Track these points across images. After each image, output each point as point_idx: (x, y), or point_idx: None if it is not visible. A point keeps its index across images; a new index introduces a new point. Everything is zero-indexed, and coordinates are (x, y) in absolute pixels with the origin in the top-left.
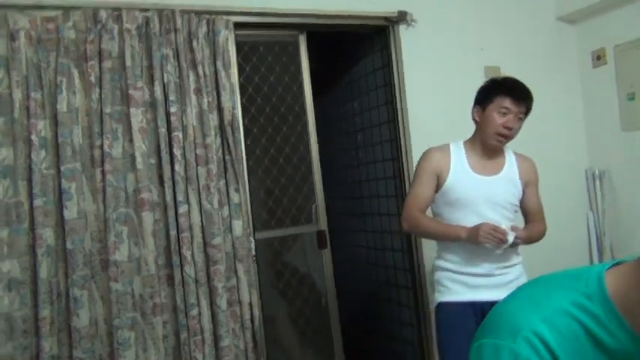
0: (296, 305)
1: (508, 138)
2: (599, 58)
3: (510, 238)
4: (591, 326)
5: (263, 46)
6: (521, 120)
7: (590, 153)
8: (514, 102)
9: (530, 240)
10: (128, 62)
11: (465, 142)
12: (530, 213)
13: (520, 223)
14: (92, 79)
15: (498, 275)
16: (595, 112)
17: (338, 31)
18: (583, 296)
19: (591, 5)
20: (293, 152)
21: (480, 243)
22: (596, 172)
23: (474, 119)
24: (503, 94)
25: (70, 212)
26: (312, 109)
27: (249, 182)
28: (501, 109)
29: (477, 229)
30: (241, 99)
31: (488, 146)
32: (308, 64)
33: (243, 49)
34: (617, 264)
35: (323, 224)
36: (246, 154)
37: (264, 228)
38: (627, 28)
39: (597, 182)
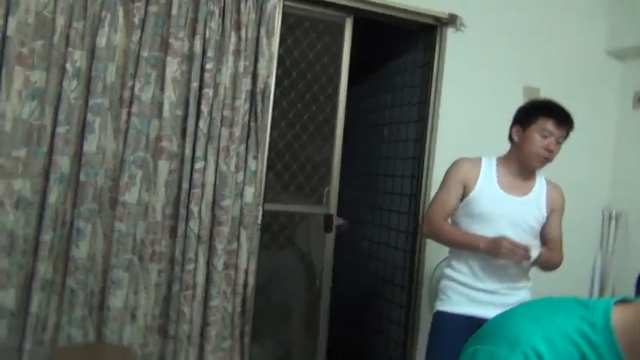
0: (290, 281)
1: (548, 160)
2: None
3: (534, 254)
4: (589, 355)
5: (309, 22)
6: (560, 144)
7: (612, 192)
8: (556, 125)
9: (547, 265)
10: (174, 11)
11: (499, 159)
12: (550, 241)
13: None
14: (136, 20)
15: (503, 295)
16: (625, 153)
17: (385, 21)
18: (587, 324)
19: None
20: (317, 132)
21: (499, 257)
22: (614, 212)
23: (511, 139)
24: (546, 116)
25: (90, 146)
26: (345, 93)
27: (269, 153)
28: (544, 132)
29: (498, 243)
30: (277, 69)
31: (526, 167)
32: (349, 49)
33: (289, 20)
34: (625, 300)
35: (333, 208)
36: (271, 125)
37: (275, 200)
38: None
39: (613, 222)
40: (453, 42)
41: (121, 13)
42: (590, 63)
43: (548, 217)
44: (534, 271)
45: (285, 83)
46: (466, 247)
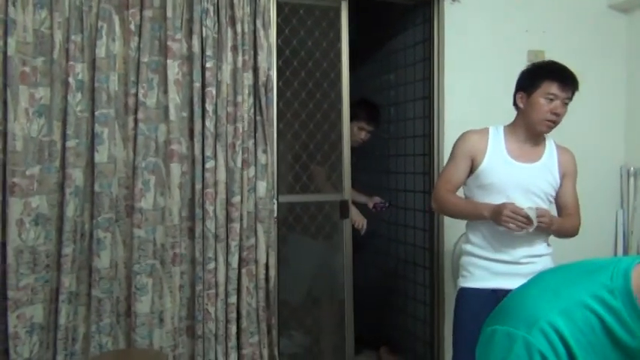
0: (312, 271)
1: (556, 124)
2: None
3: (534, 220)
4: (610, 322)
5: (304, 9)
6: (567, 105)
7: (628, 150)
8: (561, 87)
9: (562, 232)
10: (169, 13)
11: (505, 127)
12: (565, 207)
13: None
14: (132, 27)
15: (525, 264)
16: (638, 109)
17: (381, 0)
18: (605, 290)
19: None
20: (324, 119)
21: (502, 225)
22: (632, 169)
23: (515, 105)
24: (550, 80)
25: (101, 156)
26: (348, 78)
27: (277, 145)
28: (548, 95)
29: (500, 209)
30: (277, 61)
31: (533, 132)
32: (347, 32)
33: (284, 10)
34: None
35: (347, 194)
36: (277, 117)
37: (289, 192)
38: None
39: (631, 180)
40: (451, 14)
41: (117, 22)
42: (594, 19)
43: (561, 183)
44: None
45: (287, 74)
46: (472, 216)
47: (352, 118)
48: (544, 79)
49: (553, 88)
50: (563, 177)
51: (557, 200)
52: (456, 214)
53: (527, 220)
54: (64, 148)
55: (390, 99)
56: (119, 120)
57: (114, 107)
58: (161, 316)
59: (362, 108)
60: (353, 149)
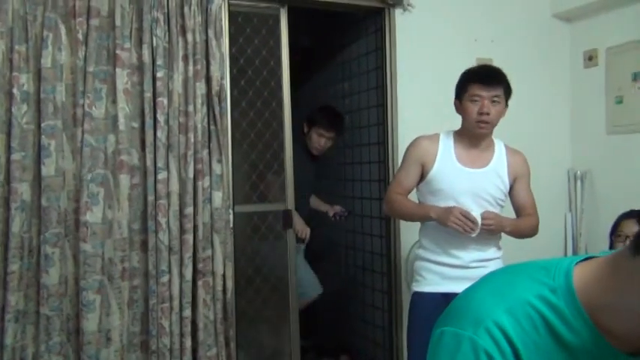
0: (262, 282)
1: (489, 123)
2: (590, 58)
3: (478, 220)
4: (553, 320)
5: (242, 17)
6: (499, 103)
7: (574, 153)
8: (483, 87)
9: (518, 232)
10: (117, 22)
11: (455, 133)
12: (521, 207)
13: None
14: (79, 36)
15: (475, 268)
16: (582, 113)
17: (323, 9)
18: (548, 289)
19: (587, 4)
20: (266, 127)
21: (449, 227)
22: (578, 172)
23: (457, 112)
24: (471, 82)
25: (48, 169)
26: (289, 84)
27: (233, 155)
28: (474, 97)
29: (448, 211)
30: (232, 70)
31: (474, 136)
32: (287, 40)
33: (237, 19)
34: (588, 258)
35: (290, 203)
36: (233, 126)
37: (246, 201)
38: (621, 31)
39: (578, 183)
40: (402, 23)
41: (63, 31)
42: (539, 28)
43: (514, 186)
44: (506, 238)
45: (242, 83)
46: (419, 217)
47: (313, 124)
48: (467, 83)
49: (475, 89)
50: (515, 180)
51: (514, 202)
52: (404, 216)
53: (474, 224)
54: (8, 161)
55: (345, 107)
56: (67, 132)
57: (61, 118)
58: (108, 334)
59: (322, 114)
60: (314, 157)
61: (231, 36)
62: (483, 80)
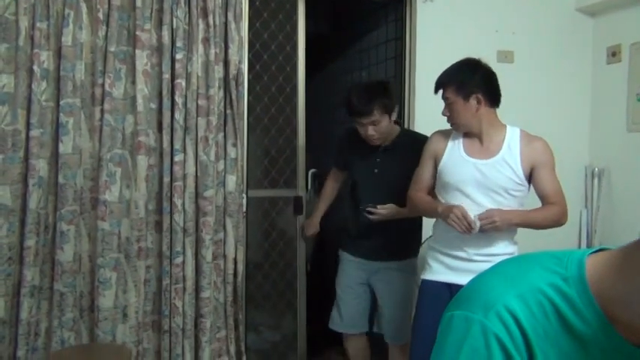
0: (276, 266)
1: (454, 123)
2: (614, 54)
3: (476, 226)
4: (563, 308)
5: (260, 2)
6: (453, 103)
7: (592, 150)
8: (437, 90)
9: (533, 224)
10: (138, 3)
11: None
12: (544, 197)
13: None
14: (100, 15)
15: (479, 262)
16: (602, 109)
17: None
18: (560, 278)
19: None
20: (279, 113)
21: (448, 224)
22: (596, 169)
23: None
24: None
25: (65, 147)
26: (304, 71)
27: (247, 139)
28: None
29: (449, 209)
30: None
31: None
32: (304, 25)
33: (255, 3)
34: (601, 250)
35: (301, 190)
36: (247, 111)
37: (257, 186)
38: None
39: (595, 180)
40: (423, 12)
41: (84, 10)
42: (562, 22)
43: (533, 174)
44: (523, 231)
45: (257, 67)
46: (429, 213)
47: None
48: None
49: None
50: (533, 168)
51: (537, 191)
52: (419, 211)
53: (470, 226)
54: (27, 137)
55: None
56: (85, 110)
57: (80, 97)
58: (125, 310)
59: (347, 101)
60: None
61: (249, 20)
62: (435, 87)
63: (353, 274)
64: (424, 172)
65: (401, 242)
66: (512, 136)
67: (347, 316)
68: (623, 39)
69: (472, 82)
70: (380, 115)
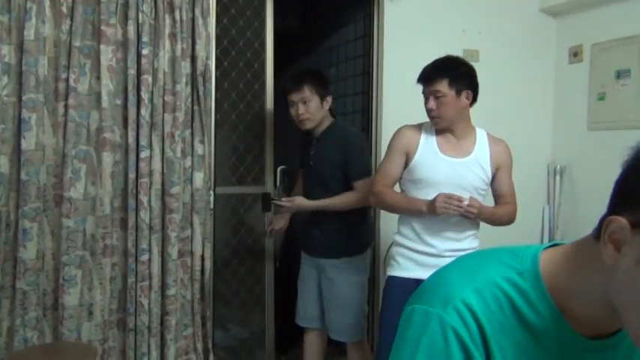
0: (244, 263)
1: (439, 117)
2: (575, 54)
3: (465, 199)
4: (518, 302)
5: None
6: (443, 97)
7: (555, 148)
8: (425, 85)
9: (495, 220)
10: None
11: None
12: (501, 196)
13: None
14: (64, 9)
15: (449, 257)
16: (565, 108)
17: None
18: (515, 272)
19: (574, 0)
20: (248, 110)
21: (440, 214)
22: (558, 167)
23: None
24: (419, 81)
25: (28, 143)
26: (272, 67)
27: (215, 136)
28: (424, 95)
29: (433, 201)
30: (215, 50)
31: (440, 129)
32: (272, 22)
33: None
34: (555, 245)
35: (269, 186)
36: (215, 107)
37: (226, 183)
38: (606, 28)
39: (557, 177)
40: (390, 11)
41: (47, 3)
42: (526, 22)
43: (495, 174)
44: (485, 228)
45: (225, 64)
46: (410, 212)
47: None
48: (418, 82)
49: (423, 87)
50: (496, 169)
51: (494, 190)
52: (393, 209)
53: (460, 201)
54: None
55: (331, 93)
56: (48, 106)
57: (43, 92)
58: (90, 308)
59: (283, 86)
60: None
61: (217, 16)
62: (423, 78)
63: (306, 271)
64: (394, 167)
65: (341, 240)
66: (481, 137)
67: (303, 310)
68: (585, 39)
69: (465, 78)
70: (310, 94)
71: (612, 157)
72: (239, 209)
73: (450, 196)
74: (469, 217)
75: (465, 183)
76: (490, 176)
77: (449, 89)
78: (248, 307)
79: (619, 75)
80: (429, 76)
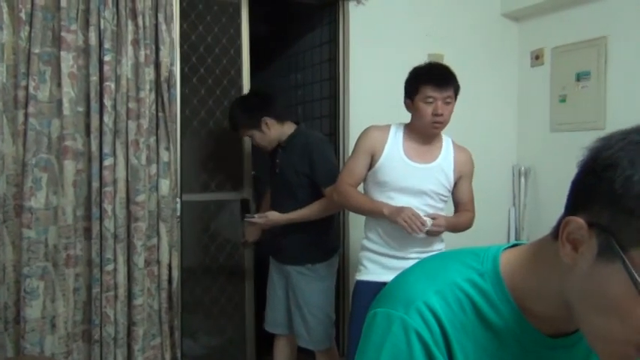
0: (215, 271)
1: (443, 123)
2: (537, 58)
3: (427, 226)
4: (480, 302)
5: (202, 4)
6: (450, 103)
7: (519, 150)
8: (437, 89)
9: (456, 228)
10: (63, 3)
11: (406, 126)
12: (461, 203)
13: (450, 212)
14: (22, 15)
15: (415, 260)
16: (528, 110)
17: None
18: (476, 273)
19: (535, 5)
20: (224, 116)
21: (398, 224)
22: (522, 168)
23: (407, 110)
24: (425, 83)
25: None
26: (249, 75)
27: (182, 143)
28: (427, 99)
29: (399, 210)
30: (188, 56)
31: (425, 134)
32: (248, 29)
33: (182, 4)
34: (515, 245)
35: (247, 193)
36: (190, 115)
37: (193, 191)
38: (566, 31)
39: (522, 179)
40: (356, 15)
41: (5, 9)
42: (489, 27)
43: (457, 182)
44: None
45: (186, 70)
46: (371, 213)
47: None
48: (420, 84)
49: (429, 91)
50: (459, 177)
51: (455, 197)
52: (355, 209)
53: (423, 225)
54: None
55: (298, 98)
56: (7, 114)
57: (2, 100)
58: (53, 321)
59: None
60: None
61: (189, 22)
62: (437, 82)
63: (274, 277)
64: (358, 166)
65: (304, 246)
66: (447, 145)
67: (271, 316)
68: (546, 43)
69: (459, 88)
70: (246, 130)
71: (574, 158)
72: (213, 216)
73: (416, 216)
74: (439, 233)
75: (428, 189)
76: (452, 183)
77: (455, 97)
78: (220, 316)
79: (579, 77)
80: (446, 81)
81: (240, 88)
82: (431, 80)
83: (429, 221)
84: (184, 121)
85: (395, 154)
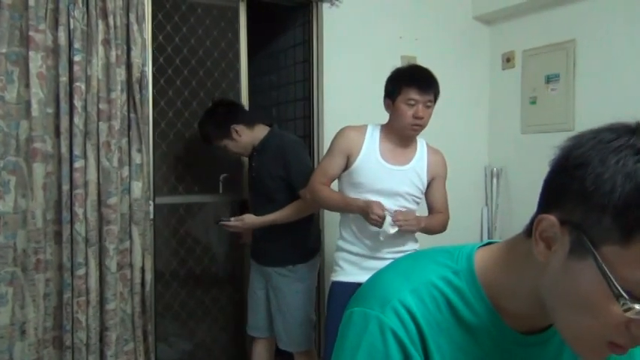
0: (189, 275)
1: (422, 126)
2: (508, 60)
3: (388, 229)
4: (454, 300)
5: (185, 7)
6: (430, 107)
7: (491, 151)
8: (420, 92)
9: (430, 229)
10: (31, 2)
11: (382, 127)
12: (435, 206)
13: (424, 214)
14: None
15: (391, 259)
16: (499, 112)
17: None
18: (451, 272)
19: (506, 8)
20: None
21: (367, 220)
22: (494, 169)
23: (386, 110)
24: (407, 85)
25: None
26: (247, 79)
27: (158, 145)
28: (409, 101)
29: (371, 206)
30: (159, 58)
31: (403, 136)
32: (246, 33)
33: (165, 6)
34: (489, 244)
35: (246, 193)
36: (159, 116)
37: (170, 193)
38: (536, 34)
39: (494, 179)
40: (329, 17)
41: None
42: (460, 29)
43: (431, 184)
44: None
45: (169, 72)
46: (343, 209)
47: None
48: (403, 85)
49: (412, 93)
50: (432, 179)
51: (428, 199)
52: (328, 206)
53: (380, 220)
54: None
55: (272, 99)
56: None
57: None
58: (23, 327)
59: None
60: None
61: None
62: (420, 85)
63: (255, 279)
64: (332, 166)
65: (285, 248)
66: (421, 147)
67: (251, 319)
68: (516, 46)
69: (439, 92)
70: (219, 142)
71: (544, 159)
72: (186, 218)
73: (382, 210)
74: (408, 231)
75: (402, 191)
76: (425, 185)
77: (434, 100)
78: (194, 320)
79: (548, 80)
80: (429, 84)
81: (239, 91)
82: (414, 83)
83: (389, 217)
84: (168, 123)
85: (371, 155)
